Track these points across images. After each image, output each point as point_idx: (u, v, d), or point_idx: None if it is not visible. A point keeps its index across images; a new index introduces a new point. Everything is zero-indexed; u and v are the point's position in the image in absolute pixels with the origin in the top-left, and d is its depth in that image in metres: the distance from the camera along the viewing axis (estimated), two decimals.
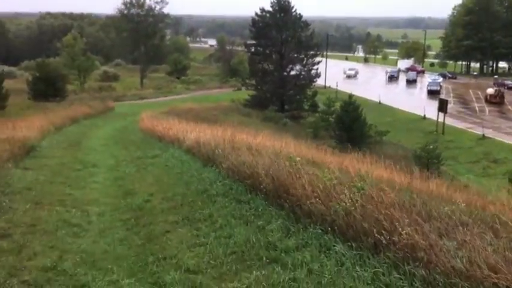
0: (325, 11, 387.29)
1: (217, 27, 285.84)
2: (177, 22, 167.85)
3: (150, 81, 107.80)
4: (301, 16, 63.41)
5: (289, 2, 62.55)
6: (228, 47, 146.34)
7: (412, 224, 6.49)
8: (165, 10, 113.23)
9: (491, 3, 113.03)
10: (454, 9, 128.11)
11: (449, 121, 56.67)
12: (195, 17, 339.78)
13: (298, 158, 11.05)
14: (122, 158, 18.86)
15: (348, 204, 7.30)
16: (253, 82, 65.45)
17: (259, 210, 9.29)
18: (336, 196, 7.81)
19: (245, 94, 66.97)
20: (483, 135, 51.70)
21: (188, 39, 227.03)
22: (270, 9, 62.98)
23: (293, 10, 62.89)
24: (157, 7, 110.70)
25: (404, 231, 6.13)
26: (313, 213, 7.81)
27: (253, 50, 66.03)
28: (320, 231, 7.51)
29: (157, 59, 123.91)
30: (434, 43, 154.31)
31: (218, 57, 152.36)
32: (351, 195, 7.58)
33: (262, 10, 63.43)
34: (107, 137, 27.72)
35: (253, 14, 65.53)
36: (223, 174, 12.47)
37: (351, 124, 44.99)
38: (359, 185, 8.02)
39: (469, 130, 55.59)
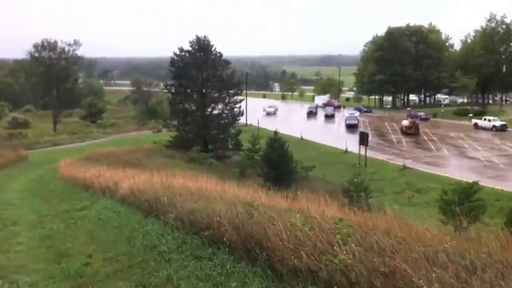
0: (239, 50, 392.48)
1: (132, 68, 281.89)
2: (90, 64, 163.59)
3: (64, 127, 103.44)
4: (221, 55, 63.10)
5: (208, 41, 62.15)
6: (144, 88, 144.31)
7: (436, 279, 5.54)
8: (79, 52, 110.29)
9: (400, 40, 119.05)
10: (365, 46, 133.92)
11: (370, 153, 57.79)
12: (109, 59, 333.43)
13: (256, 203, 9.98)
14: (44, 212, 16.90)
15: (343, 256, 6.19)
16: (175, 123, 63.94)
17: (227, 268, 7.90)
18: (322, 247, 6.71)
19: (166, 135, 65.32)
20: (404, 165, 52.98)
21: (102, 81, 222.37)
22: (190, 48, 62.30)
23: (213, 49, 62.53)
24: (71, 49, 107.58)
25: None
26: (301, 270, 6.60)
27: (173, 90, 64.67)
28: None
29: (71, 103, 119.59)
30: (348, 79, 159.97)
31: (134, 99, 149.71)
32: (344, 244, 6.51)
33: (182, 50, 62.62)
34: (24, 189, 25.33)
35: (168, 55, 64.64)
36: (171, 225, 11.04)
37: (277, 161, 44.46)
38: (345, 231, 6.99)
39: (390, 161, 56.89)
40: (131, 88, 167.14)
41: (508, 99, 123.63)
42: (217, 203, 10.61)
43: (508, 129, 76.97)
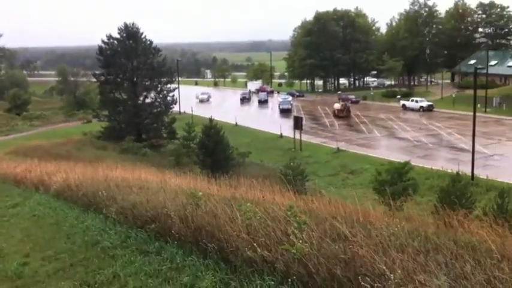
0: (169, 37, 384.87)
1: (57, 58, 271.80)
2: (11, 55, 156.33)
3: None
4: (151, 42, 61.86)
5: (137, 28, 60.76)
6: (71, 78, 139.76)
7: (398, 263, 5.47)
8: None
9: (328, 24, 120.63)
10: (294, 31, 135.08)
11: (305, 137, 58.52)
12: (31, 49, 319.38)
13: (200, 193, 9.70)
14: None
15: (301, 245, 6.01)
16: (106, 113, 62.28)
17: (177, 262, 7.58)
18: (277, 236, 6.54)
19: (97, 126, 63.64)
20: (338, 148, 53.96)
21: (25, 72, 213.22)
22: (118, 36, 60.62)
23: (142, 36, 61.15)
24: None
25: (393, 276, 5.02)
26: (256, 262, 6.37)
27: (102, 79, 62.83)
28: (272, 282, 6.06)
29: None
30: (278, 64, 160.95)
31: (61, 90, 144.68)
32: (300, 232, 6.35)
33: (110, 37, 60.84)
34: None
35: (94, 44, 62.83)
36: (112, 220, 10.58)
37: (214, 148, 44.22)
38: (298, 218, 6.84)
39: (324, 144, 57.82)
40: (57, 78, 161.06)
41: (432, 80, 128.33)
42: (160, 195, 10.27)
43: (434, 109, 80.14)
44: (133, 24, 60.94)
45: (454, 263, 5.73)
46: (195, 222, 8.01)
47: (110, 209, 10.87)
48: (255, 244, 6.52)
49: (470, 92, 69.98)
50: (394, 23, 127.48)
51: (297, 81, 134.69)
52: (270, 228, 6.88)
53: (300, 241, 6.09)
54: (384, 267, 5.21)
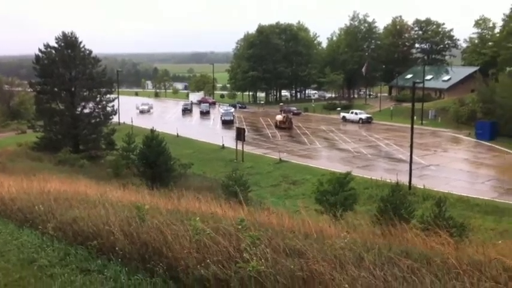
0: (109, 47, 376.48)
1: None
2: None
3: None
4: (90, 52, 60.32)
5: (76, 38, 59.11)
6: (6, 87, 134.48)
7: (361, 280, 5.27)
8: None
9: (271, 37, 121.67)
10: (237, 43, 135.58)
11: (247, 148, 58.45)
12: None
13: (146, 206, 9.30)
14: None
15: (256, 262, 5.71)
16: (42, 123, 60.15)
17: (122, 281, 7.03)
18: (230, 253, 6.23)
19: (32, 136, 61.41)
20: (280, 159, 54.23)
21: None
22: (56, 45, 58.81)
23: (81, 46, 59.56)
24: None
25: None
26: (208, 280, 6.01)
27: (39, 89, 60.72)
28: None
29: None
30: (220, 76, 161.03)
31: None
32: (254, 247, 6.06)
33: (47, 46, 58.94)
34: None
35: (30, 53, 60.75)
36: (49, 236, 9.94)
37: (155, 159, 43.33)
38: (251, 233, 6.55)
39: (266, 155, 58.01)
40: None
41: (371, 93, 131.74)
42: (102, 209, 9.75)
43: (373, 121, 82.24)
44: (71, 33, 59.33)
45: (412, 277, 5.61)
46: (141, 239, 7.57)
47: (47, 224, 10.23)
48: (208, 261, 6.18)
49: (407, 105, 72.25)
50: (334, 38, 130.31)
51: (239, 92, 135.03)
52: (222, 245, 6.56)
53: (254, 258, 5.80)
54: (346, 285, 5.00)
